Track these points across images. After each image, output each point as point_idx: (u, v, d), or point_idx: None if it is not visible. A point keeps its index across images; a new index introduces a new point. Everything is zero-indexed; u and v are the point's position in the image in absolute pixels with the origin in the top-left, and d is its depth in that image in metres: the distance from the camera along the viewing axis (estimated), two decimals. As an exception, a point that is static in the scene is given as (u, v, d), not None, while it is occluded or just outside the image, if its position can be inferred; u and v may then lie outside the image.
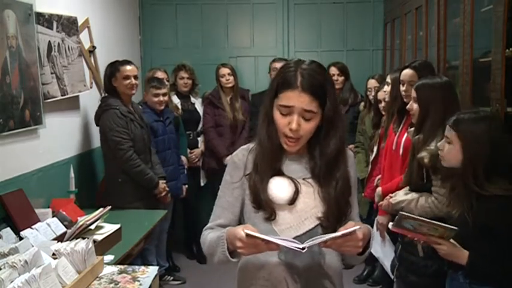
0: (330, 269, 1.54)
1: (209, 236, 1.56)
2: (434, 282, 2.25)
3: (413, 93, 2.52)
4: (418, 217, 1.91)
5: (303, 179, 1.54)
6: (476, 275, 1.93)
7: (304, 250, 1.34)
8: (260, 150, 1.56)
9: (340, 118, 1.54)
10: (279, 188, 1.52)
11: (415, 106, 2.51)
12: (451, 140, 2.00)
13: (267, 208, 1.51)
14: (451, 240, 1.94)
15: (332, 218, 1.51)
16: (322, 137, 1.51)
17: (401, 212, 1.90)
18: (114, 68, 3.49)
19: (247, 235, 1.35)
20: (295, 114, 1.45)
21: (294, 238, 1.45)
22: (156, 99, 3.83)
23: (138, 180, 3.41)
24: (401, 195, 2.52)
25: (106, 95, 3.52)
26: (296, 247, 1.34)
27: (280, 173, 1.55)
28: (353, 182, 1.60)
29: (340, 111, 1.59)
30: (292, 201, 1.51)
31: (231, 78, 4.56)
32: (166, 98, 3.92)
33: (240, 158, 1.60)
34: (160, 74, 4.25)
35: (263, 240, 1.35)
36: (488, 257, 1.90)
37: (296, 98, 1.44)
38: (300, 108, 1.45)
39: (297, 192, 1.52)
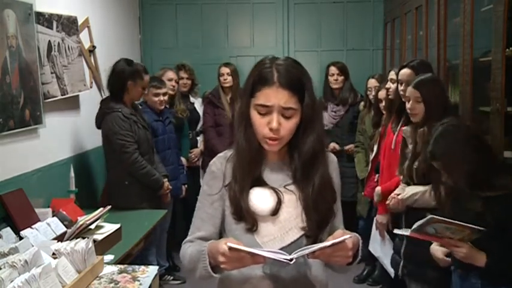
0: (316, 281, 1.46)
1: (189, 250, 1.48)
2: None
3: (415, 93, 2.48)
4: (449, 220, 1.84)
5: (284, 186, 1.46)
6: (494, 276, 1.92)
7: (293, 261, 1.27)
8: (238, 156, 1.47)
9: (318, 116, 1.48)
10: (260, 199, 1.44)
11: (419, 106, 2.47)
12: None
13: (248, 219, 1.42)
14: (469, 243, 1.92)
15: (313, 224, 1.43)
16: (300, 135, 1.43)
17: (432, 216, 1.84)
18: (137, 73, 3.41)
19: (230, 248, 1.27)
20: (274, 113, 1.37)
21: (279, 250, 1.38)
22: (156, 98, 3.81)
23: (144, 182, 3.39)
24: (412, 189, 2.50)
25: (106, 95, 3.47)
26: (284, 258, 1.26)
27: (260, 181, 1.46)
28: (336, 187, 1.52)
29: (319, 108, 1.51)
30: (275, 212, 1.43)
31: (229, 78, 4.55)
32: (166, 97, 3.91)
33: (218, 167, 1.51)
34: (170, 74, 4.23)
35: (248, 253, 1.27)
36: (506, 258, 1.89)
37: (274, 95, 1.37)
38: (279, 106, 1.37)
39: (279, 203, 1.44)
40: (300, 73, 1.42)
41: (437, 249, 2.19)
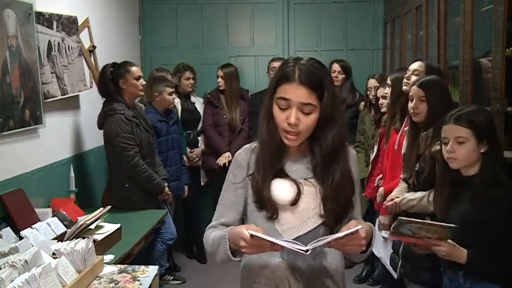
0: (331, 268, 1.55)
1: (212, 234, 1.56)
2: None
3: (419, 92, 2.47)
4: (418, 220, 1.89)
5: (305, 179, 1.54)
6: (475, 272, 1.93)
7: (308, 252, 1.35)
8: (261, 148, 1.56)
9: (339, 113, 1.54)
10: (281, 190, 1.52)
11: (422, 106, 2.46)
12: (465, 138, 1.96)
13: (269, 208, 1.52)
14: (449, 241, 1.93)
15: (332, 215, 1.51)
16: (320, 132, 1.50)
17: (400, 218, 1.87)
18: (123, 69, 3.41)
19: (252, 236, 1.35)
20: (293, 108, 1.45)
21: (297, 238, 1.48)
22: (170, 97, 3.88)
23: (145, 186, 3.39)
24: (410, 195, 2.50)
25: (106, 98, 3.44)
26: (300, 249, 1.34)
27: (282, 173, 1.54)
28: (355, 180, 1.59)
29: (339, 105, 1.58)
30: (295, 202, 1.52)
31: (222, 81, 4.56)
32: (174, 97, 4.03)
33: (243, 157, 1.61)
34: (170, 77, 4.26)
35: (267, 241, 1.35)
36: (487, 254, 1.90)
37: (293, 91, 1.45)
38: (298, 102, 1.45)
39: (299, 194, 1.52)
40: (321, 73, 1.50)
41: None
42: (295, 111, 1.45)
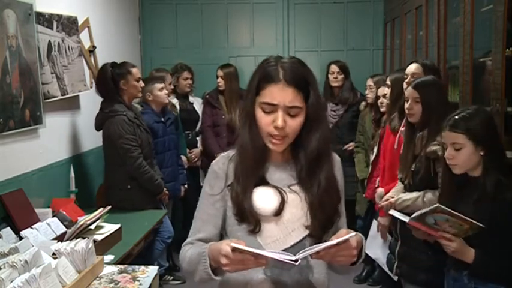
0: (318, 283, 1.43)
1: (189, 252, 1.44)
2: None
3: (414, 94, 2.47)
4: (453, 212, 1.85)
5: (288, 186, 1.44)
6: (481, 272, 1.93)
7: (298, 262, 1.23)
8: (242, 156, 1.45)
9: (323, 114, 1.46)
10: (263, 199, 1.41)
11: (417, 107, 2.46)
12: (462, 144, 1.97)
13: (251, 220, 1.40)
14: (460, 239, 1.93)
15: (318, 224, 1.41)
16: (305, 133, 1.41)
17: (438, 205, 1.86)
18: (124, 70, 3.41)
19: (234, 249, 1.23)
20: (279, 111, 1.36)
21: (281, 251, 1.36)
22: (162, 93, 3.83)
23: (147, 186, 3.40)
24: (405, 195, 2.50)
25: (105, 98, 3.43)
26: (288, 259, 1.23)
27: (264, 181, 1.44)
28: (340, 187, 1.50)
29: (323, 107, 1.50)
30: (278, 212, 1.41)
31: (222, 81, 4.56)
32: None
33: (221, 167, 1.49)
34: (169, 78, 4.25)
35: (252, 253, 1.23)
36: (492, 255, 1.90)
37: (280, 93, 1.35)
38: (284, 105, 1.36)
39: (283, 202, 1.41)
40: (305, 72, 1.41)
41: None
42: (281, 114, 1.36)
